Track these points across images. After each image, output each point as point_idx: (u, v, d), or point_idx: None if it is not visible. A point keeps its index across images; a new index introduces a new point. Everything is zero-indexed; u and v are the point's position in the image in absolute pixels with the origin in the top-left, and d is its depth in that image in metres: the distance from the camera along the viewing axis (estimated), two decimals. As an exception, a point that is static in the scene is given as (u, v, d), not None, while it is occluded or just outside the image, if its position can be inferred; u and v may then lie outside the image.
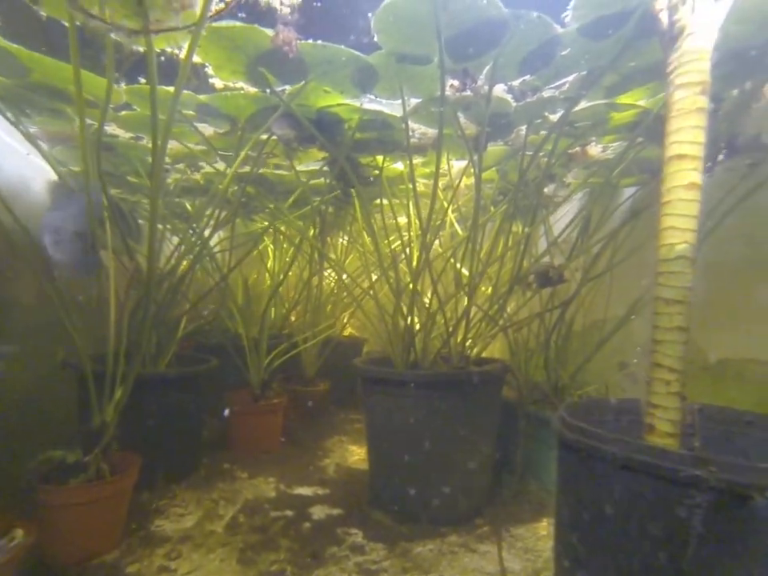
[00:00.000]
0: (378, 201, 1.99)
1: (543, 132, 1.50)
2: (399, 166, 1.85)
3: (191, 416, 1.76)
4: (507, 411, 1.69)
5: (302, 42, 1.08)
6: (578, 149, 1.57)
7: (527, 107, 1.36)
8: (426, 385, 1.52)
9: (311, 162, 1.81)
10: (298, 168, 1.81)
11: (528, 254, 1.95)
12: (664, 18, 0.76)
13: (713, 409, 0.93)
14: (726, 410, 0.93)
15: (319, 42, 1.11)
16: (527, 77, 1.24)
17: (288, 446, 2.14)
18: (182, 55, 1.15)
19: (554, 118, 1.43)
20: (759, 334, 1.48)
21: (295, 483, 1.74)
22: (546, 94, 1.31)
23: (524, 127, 1.49)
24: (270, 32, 1.05)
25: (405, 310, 1.64)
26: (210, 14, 0.94)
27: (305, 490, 1.68)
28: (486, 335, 1.75)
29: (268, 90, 1.28)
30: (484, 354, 1.86)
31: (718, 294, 1.62)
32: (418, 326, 1.69)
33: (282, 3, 1.00)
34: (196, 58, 1.16)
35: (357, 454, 2.07)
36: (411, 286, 1.60)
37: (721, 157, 1.22)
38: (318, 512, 1.51)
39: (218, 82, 1.26)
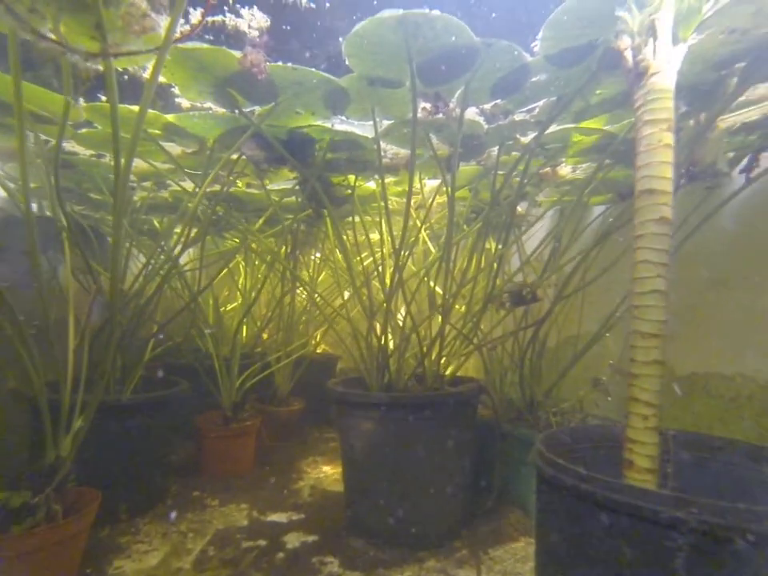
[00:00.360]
0: (351, 218, 1.98)
1: (515, 153, 1.52)
2: (372, 185, 1.84)
3: (158, 443, 1.69)
4: (483, 430, 1.69)
5: (272, 64, 1.06)
6: (548, 169, 1.59)
7: (499, 129, 1.37)
8: (401, 407, 1.50)
9: (282, 182, 1.78)
10: (270, 187, 1.78)
11: (501, 272, 1.97)
12: (629, 56, 0.77)
13: (686, 435, 0.94)
14: (698, 436, 0.94)
15: (289, 64, 1.09)
16: (499, 101, 1.25)
17: (262, 469, 2.08)
18: (147, 74, 1.11)
19: (525, 139, 1.45)
20: (721, 348, 1.52)
21: (269, 509, 1.68)
22: (518, 117, 1.32)
23: (496, 148, 1.49)
24: (237, 54, 1.03)
25: (378, 329, 1.62)
26: (176, 36, 0.91)
27: (279, 517, 1.63)
28: (460, 354, 1.74)
29: (237, 111, 1.25)
30: (459, 373, 1.86)
31: (686, 309, 1.67)
32: (392, 346, 1.67)
33: (250, 26, 0.97)
34: (161, 79, 1.12)
35: (332, 475, 2.03)
36: (384, 305, 1.59)
37: (682, 182, 1.25)
38: (293, 540, 1.47)
39: (184, 102, 1.22)
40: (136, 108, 1.05)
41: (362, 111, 1.30)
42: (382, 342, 1.62)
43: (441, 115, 1.23)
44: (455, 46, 1.05)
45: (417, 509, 1.47)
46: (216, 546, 1.42)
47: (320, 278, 2.49)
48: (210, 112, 1.25)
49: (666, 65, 0.73)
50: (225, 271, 2.09)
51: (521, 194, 1.61)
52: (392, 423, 1.51)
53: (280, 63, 1.07)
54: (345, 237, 1.71)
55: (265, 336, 2.51)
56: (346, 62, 1.10)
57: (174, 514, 1.61)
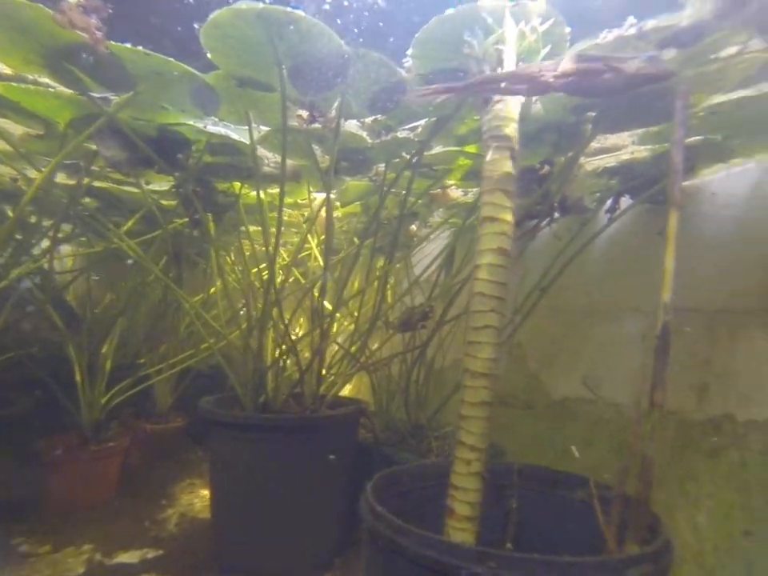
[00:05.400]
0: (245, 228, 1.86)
1: (408, 173, 1.49)
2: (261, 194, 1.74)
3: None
4: (363, 454, 1.62)
5: (118, 44, 0.94)
6: (439, 190, 1.59)
7: (383, 146, 1.34)
8: (274, 429, 1.40)
9: (166, 182, 1.63)
10: (152, 186, 1.62)
11: (385, 291, 1.94)
12: (480, 80, 0.75)
13: (531, 468, 0.93)
14: (541, 470, 0.93)
15: (140, 47, 0.97)
16: (379, 116, 1.21)
17: (124, 497, 1.86)
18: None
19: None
20: (588, 374, 1.59)
21: (120, 548, 1.48)
22: (401, 134, 1.30)
23: (384, 165, 1.46)
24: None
25: (255, 346, 1.51)
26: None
27: (130, 557, 1.44)
28: (344, 375, 1.68)
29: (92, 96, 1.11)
30: (352, 394, 1.80)
31: (562, 336, 1.73)
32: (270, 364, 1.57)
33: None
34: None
35: (208, 499, 1.87)
36: (270, 318, 1.49)
37: (556, 215, 1.29)
38: (141, 585, 1.30)
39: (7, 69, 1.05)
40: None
41: (236, 114, 1.21)
42: (260, 358, 1.52)
43: (317, 125, 1.17)
44: (326, 54, 0.99)
45: (289, 538, 1.37)
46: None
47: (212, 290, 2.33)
48: (52, 90, 1.09)
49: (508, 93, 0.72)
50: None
51: (409, 213, 1.58)
52: (263, 446, 1.41)
53: (128, 45, 0.95)
54: (233, 247, 1.60)
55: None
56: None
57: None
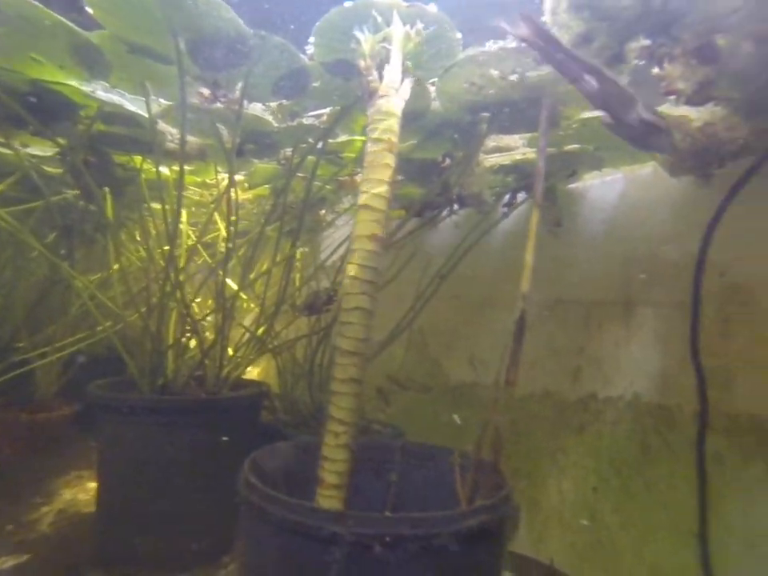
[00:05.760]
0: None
1: (311, 157, 1.51)
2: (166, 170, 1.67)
3: None
4: (265, 437, 1.64)
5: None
6: (347, 177, 1.62)
7: (290, 131, 1.35)
8: (167, 411, 1.37)
9: (49, 148, 1.51)
10: (31, 150, 1.50)
11: (300, 274, 1.96)
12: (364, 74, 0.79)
13: (409, 445, 1.01)
14: (418, 446, 1.01)
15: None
16: (284, 101, 1.22)
17: (-15, 497, 1.64)
18: None
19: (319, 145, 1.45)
20: (483, 360, 1.71)
21: (-40, 565, 1.30)
22: (307, 121, 1.31)
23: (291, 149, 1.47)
24: None
25: (153, 327, 1.47)
26: None
27: (-25, 572, 1.25)
28: (249, 357, 1.68)
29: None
30: (258, 378, 1.80)
31: (462, 324, 1.84)
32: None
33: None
34: None
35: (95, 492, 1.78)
36: (163, 300, 1.44)
37: (456, 207, 1.37)
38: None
39: None
40: None
41: (131, 83, 1.16)
42: (159, 339, 1.48)
43: (220, 104, 1.16)
44: (227, 31, 0.99)
45: (179, 527, 1.35)
46: None
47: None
48: None
49: (392, 90, 0.76)
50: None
51: (317, 198, 1.61)
52: (155, 430, 1.37)
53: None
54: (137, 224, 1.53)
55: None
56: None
57: None
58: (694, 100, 0.85)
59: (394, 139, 0.76)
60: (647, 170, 1.39)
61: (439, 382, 1.89)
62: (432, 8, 0.91)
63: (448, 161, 1.33)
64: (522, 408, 1.62)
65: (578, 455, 1.44)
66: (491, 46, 0.98)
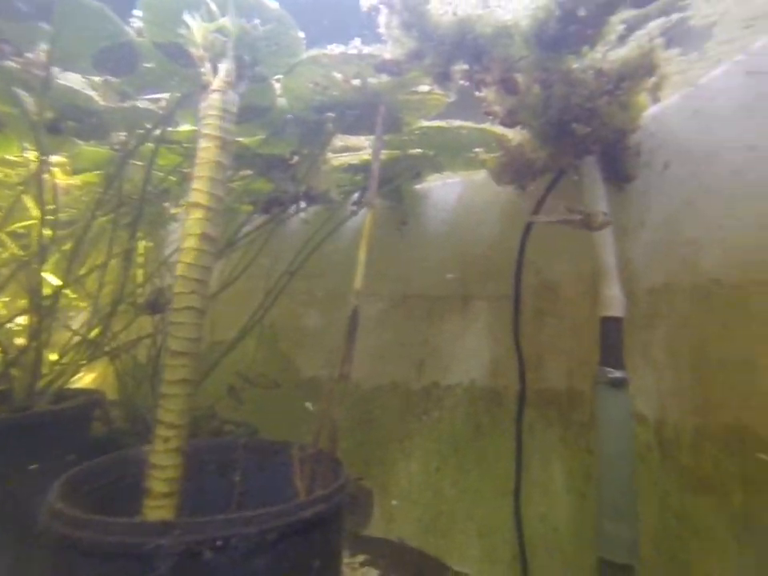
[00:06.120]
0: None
1: (150, 144, 1.39)
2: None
3: None
4: (97, 451, 1.47)
5: None
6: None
7: (123, 113, 1.22)
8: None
9: None
10: None
11: (144, 270, 1.80)
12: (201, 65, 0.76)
13: (253, 442, 1.00)
14: (262, 443, 1.01)
15: None
16: (111, 78, 1.10)
17: None
18: None
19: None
20: (330, 354, 1.75)
21: None
22: (143, 104, 1.20)
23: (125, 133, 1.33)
24: None
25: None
26: None
27: None
28: (79, 363, 1.49)
29: None
30: (95, 385, 1.60)
31: (311, 319, 1.87)
32: None
33: None
34: None
35: None
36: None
37: (303, 204, 1.38)
38: None
39: None
40: None
41: None
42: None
43: (13, 64, 0.99)
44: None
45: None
46: None
47: None
48: None
49: (226, 85, 0.74)
50: None
51: (160, 189, 1.49)
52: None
53: None
54: None
55: None
56: None
57: None
58: (505, 122, 0.98)
59: (228, 137, 0.74)
60: (481, 175, 1.53)
61: (290, 376, 1.89)
62: (273, 4, 0.90)
63: (296, 158, 1.33)
64: (373, 399, 1.70)
65: (423, 439, 1.56)
66: (333, 49, 1.00)
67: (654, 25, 0.84)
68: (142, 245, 1.82)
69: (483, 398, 1.48)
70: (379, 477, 1.64)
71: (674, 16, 0.85)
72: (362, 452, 1.68)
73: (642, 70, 0.86)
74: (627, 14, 0.79)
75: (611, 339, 0.98)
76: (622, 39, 0.85)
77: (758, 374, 0.89)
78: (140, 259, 1.86)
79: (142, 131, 1.32)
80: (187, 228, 0.71)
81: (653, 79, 0.91)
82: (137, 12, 0.92)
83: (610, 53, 0.88)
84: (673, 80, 0.96)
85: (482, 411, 1.48)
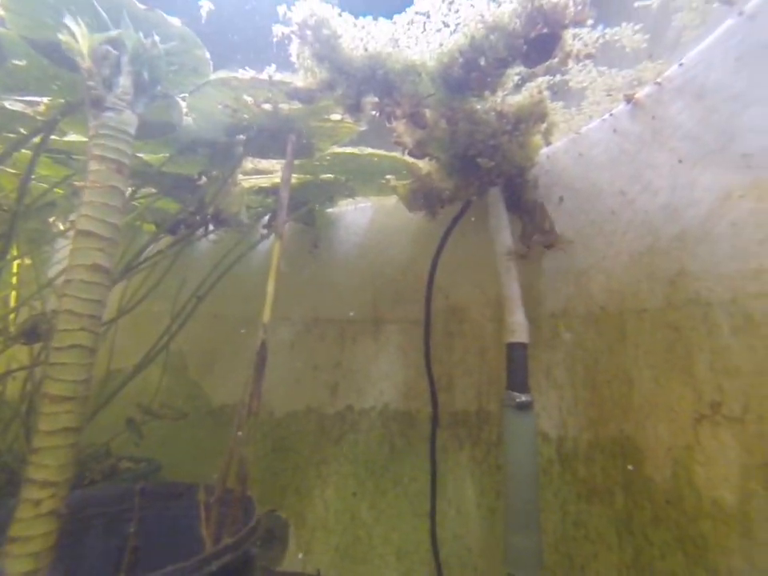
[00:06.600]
0: None
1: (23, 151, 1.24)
2: None
3: None
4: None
5: None
6: (84, 183, 1.39)
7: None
8: None
9: None
10: None
11: (17, 292, 1.61)
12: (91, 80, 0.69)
13: (152, 486, 0.91)
14: (163, 486, 0.93)
15: None
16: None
17: None
18: None
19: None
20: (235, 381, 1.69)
21: None
22: (14, 107, 1.08)
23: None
24: None
25: None
26: None
27: None
28: None
29: None
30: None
31: (223, 343, 1.78)
32: None
33: None
34: None
35: None
36: None
37: (211, 227, 1.31)
38: None
39: None
40: None
41: None
42: None
43: None
44: None
45: None
46: None
47: None
48: None
49: (122, 103, 0.69)
50: None
51: (44, 202, 1.34)
52: None
53: None
54: None
55: None
56: None
57: None
58: (414, 153, 1.02)
59: (125, 160, 0.68)
60: (392, 200, 1.57)
61: (200, 404, 1.78)
62: (175, 20, 0.85)
63: (204, 179, 1.27)
64: (288, 425, 1.65)
65: (339, 464, 1.53)
66: (244, 73, 0.98)
67: (542, 80, 0.93)
68: (15, 264, 1.62)
69: (397, 421, 1.50)
70: (295, 505, 1.59)
71: (557, 77, 0.94)
72: (278, 480, 1.62)
73: (535, 115, 0.94)
74: (520, 68, 0.86)
75: (517, 364, 1.03)
76: (518, 88, 0.93)
77: (634, 390, 0.99)
78: (13, 280, 1.66)
79: (12, 135, 1.18)
80: (75, 257, 0.64)
81: (544, 125, 0.99)
82: None
83: (507, 98, 0.95)
84: (560, 127, 1.07)
85: (397, 433, 1.49)
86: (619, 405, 1.03)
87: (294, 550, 1.53)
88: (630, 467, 0.97)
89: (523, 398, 1.02)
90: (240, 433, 0.75)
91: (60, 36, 0.67)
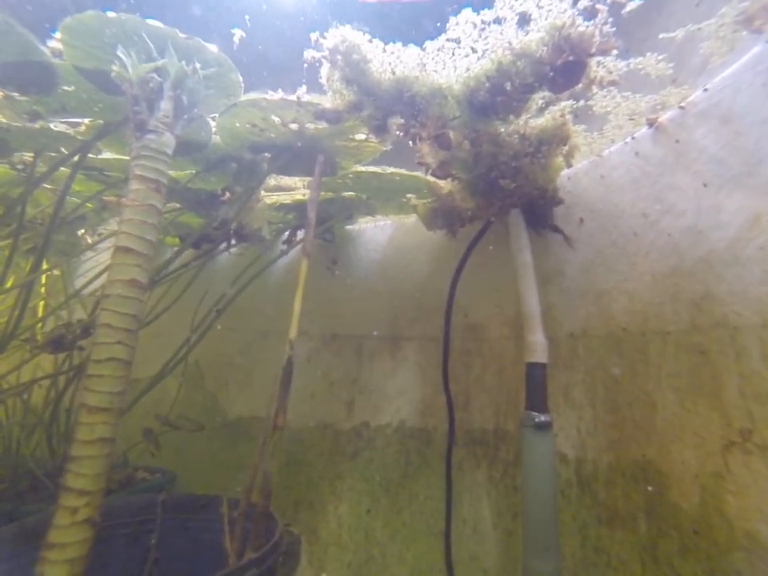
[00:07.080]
0: None
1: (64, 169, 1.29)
2: None
3: None
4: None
5: None
6: (113, 198, 1.43)
7: (29, 133, 1.13)
8: None
9: None
10: None
11: (45, 302, 1.64)
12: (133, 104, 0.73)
13: (174, 498, 0.92)
14: (185, 498, 0.93)
15: None
16: (16, 94, 1.02)
17: None
18: None
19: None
20: (261, 393, 1.70)
21: None
22: (58, 127, 1.12)
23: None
24: None
25: None
26: None
27: None
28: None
29: None
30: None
31: (237, 355, 1.80)
32: None
33: None
34: None
35: None
36: None
37: (233, 242, 1.34)
38: None
39: None
40: None
41: None
42: None
43: None
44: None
45: None
46: None
47: None
48: None
49: (163, 127, 0.72)
50: None
51: (75, 216, 1.38)
52: None
53: None
54: None
55: None
56: None
57: None
58: (437, 173, 1.03)
59: (163, 180, 0.71)
60: (412, 218, 1.59)
61: (216, 416, 1.79)
62: (212, 47, 0.89)
63: (228, 195, 1.30)
64: (303, 440, 1.66)
65: (354, 480, 1.53)
66: (273, 94, 1.01)
67: (566, 104, 0.95)
68: (44, 275, 1.66)
69: (413, 438, 1.49)
70: (309, 521, 1.58)
71: (581, 102, 0.96)
72: (291, 495, 1.62)
73: (558, 138, 0.95)
74: (545, 93, 0.88)
75: (536, 384, 1.03)
76: (541, 111, 0.95)
77: (656, 413, 0.98)
78: (42, 290, 1.70)
79: (53, 154, 1.23)
80: (114, 273, 0.66)
81: (566, 147, 1.01)
82: (57, 35, 0.86)
83: (530, 120, 0.97)
84: (582, 150, 1.08)
85: (413, 451, 1.48)
86: (641, 427, 1.02)
87: (305, 565, 1.52)
88: (652, 490, 0.95)
89: (542, 417, 1.02)
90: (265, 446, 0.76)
91: (113, 67, 0.71)
